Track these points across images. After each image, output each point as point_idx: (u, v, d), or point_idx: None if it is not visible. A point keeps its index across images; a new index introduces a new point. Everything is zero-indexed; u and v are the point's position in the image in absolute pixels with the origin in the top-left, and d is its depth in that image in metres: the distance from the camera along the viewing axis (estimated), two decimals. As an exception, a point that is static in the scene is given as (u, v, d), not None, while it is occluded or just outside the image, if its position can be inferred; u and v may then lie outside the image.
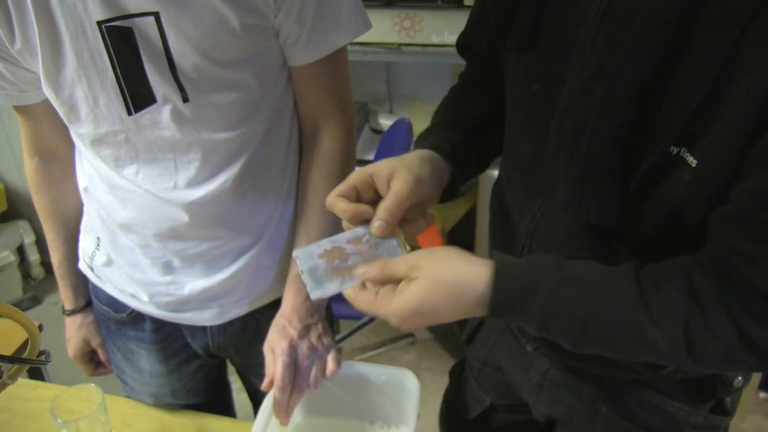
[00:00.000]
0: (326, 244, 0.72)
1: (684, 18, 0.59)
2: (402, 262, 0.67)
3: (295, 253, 0.72)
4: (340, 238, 0.72)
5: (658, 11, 0.60)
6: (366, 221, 0.72)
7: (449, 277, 0.65)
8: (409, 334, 2.58)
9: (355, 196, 0.73)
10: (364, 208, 0.72)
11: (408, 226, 0.74)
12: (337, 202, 0.72)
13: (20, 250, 2.82)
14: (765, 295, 0.59)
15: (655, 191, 0.66)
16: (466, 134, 0.86)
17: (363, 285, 0.69)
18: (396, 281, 0.67)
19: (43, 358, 0.74)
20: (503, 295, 0.65)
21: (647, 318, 0.62)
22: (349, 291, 0.69)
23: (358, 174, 0.73)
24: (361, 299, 0.68)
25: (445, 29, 2.10)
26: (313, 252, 0.71)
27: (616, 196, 0.68)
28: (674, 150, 0.62)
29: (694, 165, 0.61)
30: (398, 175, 0.71)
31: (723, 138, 0.58)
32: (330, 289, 0.69)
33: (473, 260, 0.67)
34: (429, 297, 0.65)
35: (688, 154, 0.61)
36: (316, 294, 0.69)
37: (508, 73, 0.81)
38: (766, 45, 0.54)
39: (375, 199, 0.73)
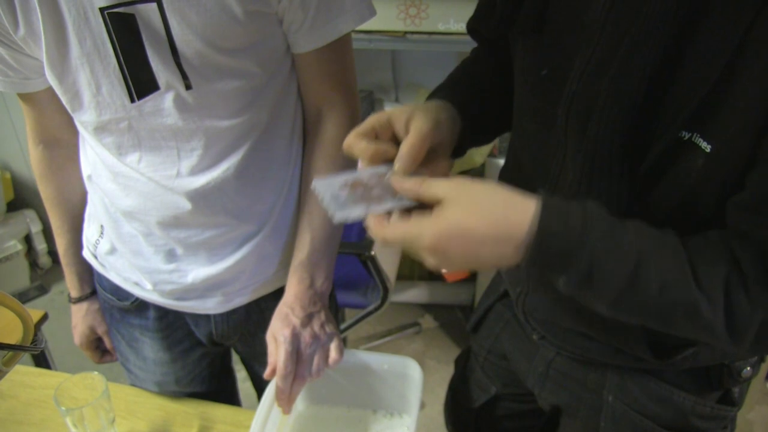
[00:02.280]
0: (347, 177, 0.67)
1: (695, 3, 0.58)
2: (442, 181, 0.62)
3: (314, 183, 0.67)
4: (361, 174, 0.68)
5: None
6: (386, 162, 0.69)
7: (494, 201, 0.60)
8: (415, 323, 2.58)
9: (373, 139, 0.70)
10: (385, 146, 0.69)
11: (429, 168, 0.70)
12: (356, 141, 0.69)
13: (27, 240, 2.83)
14: None
15: (666, 178, 0.65)
16: (475, 95, 0.85)
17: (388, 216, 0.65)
18: (431, 204, 0.62)
19: (35, 344, 0.74)
20: (551, 227, 0.59)
21: (692, 278, 0.60)
22: (375, 220, 0.64)
23: (376, 116, 0.71)
24: (391, 226, 0.62)
25: (450, 17, 2.08)
26: (333, 183, 0.66)
27: (624, 182, 0.67)
28: (686, 135, 0.62)
29: (708, 150, 0.60)
30: (417, 116, 0.70)
31: (737, 123, 0.57)
32: (354, 212, 0.63)
33: (520, 192, 0.61)
34: (469, 221, 0.59)
35: (701, 140, 0.61)
36: (339, 216, 0.63)
37: (516, 57, 0.81)
38: None
39: (393, 144, 0.70)
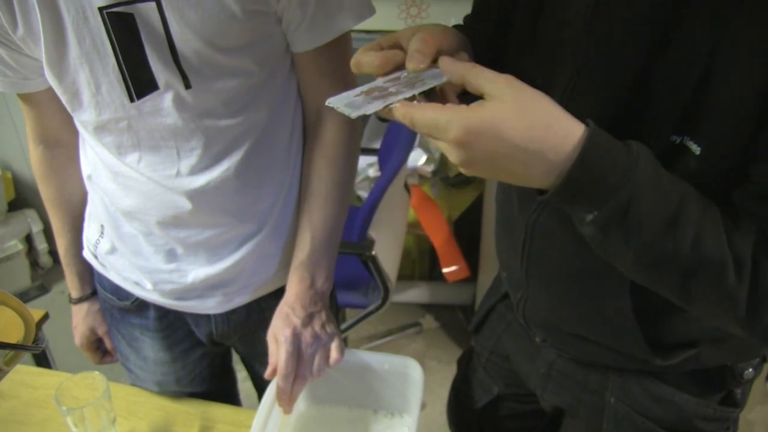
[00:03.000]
0: (361, 87, 0.64)
1: (672, 13, 0.59)
2: (494, 74, 0.56)
3: (329, 100, 0.63)
4: (376, 82, 0.64)
5: (645, 9, 0.61)
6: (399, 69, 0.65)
7: (541, 114, 0.55)
8: (416, 323, 2.58)
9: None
10: (394, 51, 0.65)
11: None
12: (363, 56, 0.65)
13: (28, 239, 2.83)
14: None
15: None
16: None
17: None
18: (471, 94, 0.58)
19: (37, 344, 0.74)
20: (596, 154, 0.55)
21: (726, 238, 0.58)
22: (402, 102, 0.58)
23: (382, 37, 0.68)
24: (421, 106, 0.57)
25: (452, 16, 2.09)
26: (348, 94, 0.63)
27: None
28: (677, 139, 0.62)
29: (698, 153, 0.60)
30: (424, 27, 0.67)
31: (722, 123, 0.58)
32: (371, 107, 0.59)
33: (570, 114, 0.57)
34: (507, 124, 0.54)
35: (691, 143, 0.61)
36: (355, 114, 0.59)
37: (511, 65, 0.80)
38: (754, 31, 0.55)
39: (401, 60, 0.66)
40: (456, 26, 0.80)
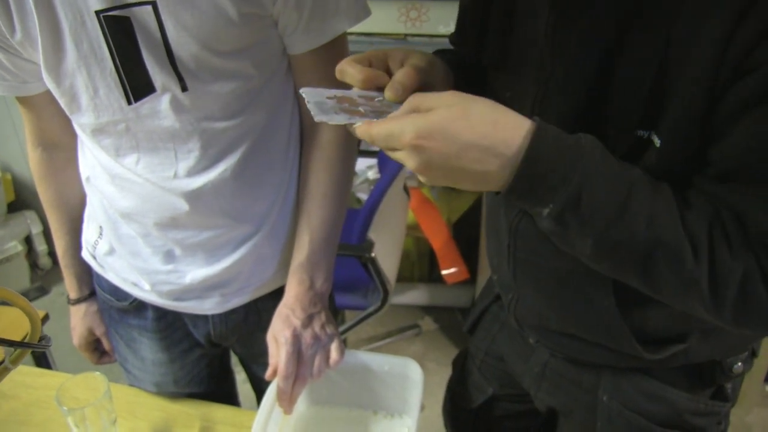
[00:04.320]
0: (336, 91, 0.67)
1: (626, 15, 0.63)
2: (434, 94, 0.61)
3: (302, 90, 0.67)
4: (352, 92, 0.67)
5: (601, 15, 0.64)
6: (378, 89, 0.68)
7: (486, 113, 0.58)
8: (415, 325, 2.58)
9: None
10: (378, 72, 0.68)
11: None
12: (348, 67, 0.68)
13: (28, 241, 2.83)
14: None
15: None
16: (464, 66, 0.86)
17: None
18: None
19: (43, 343, 0.74)
20: (544, 145, 0.58)
21: (680, 221, 0.60)
22: (362, 125, 0.62)
23: (373, 51, 0.71)
24: (377, 123, 0.61)
25: (451, 19, 2.09)
26: (322, 92, 0.66)
27: None
28: (644, 134, 0.64)
29: (658, 145, 0.63)
30: (414, 54, 0.70)
31: (679, 113, 0.60)
32: (336, 118, 0.62)
33: (515, 111, 0.60)
34: (457, 124, 0.57)
35: (655, 137, 0.63)
36: (319, 118, 0.62)
37: (487, 77, 0.85)
38: (700, 21, 0.57)
39: (386, 77, 0.69)
40: (439, 51, 0.85)
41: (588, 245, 0.62)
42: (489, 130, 0.57)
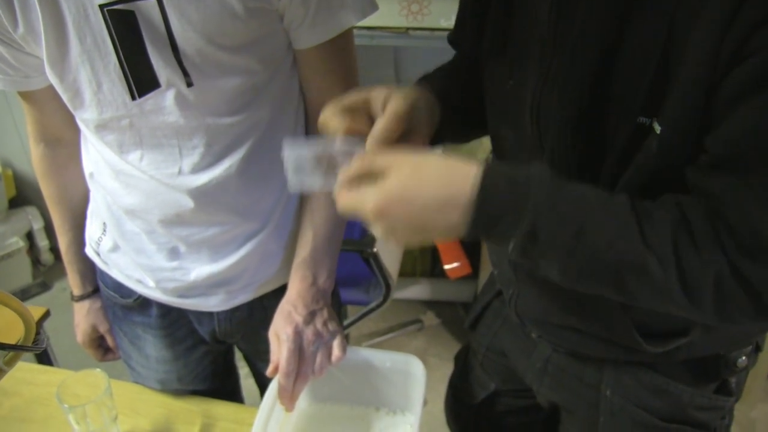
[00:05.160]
0: (319, 148, 0.70)
1: (626, 3, 0.63)
2: (384, 155, 0.65)
3: (284, 147, 0.70)
4: (334, 148, 0.70)
5: (603, 1, 0.64)
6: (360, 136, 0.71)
7: (436, 167, 0.62)
8: (417, 320, 2.58)
9: (349, 116, 0.72)
10: (359, 125, 0.71)
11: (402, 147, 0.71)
12: (329, 119, 0.71)
13: (29, 236, 2.83)
14: (755, 232, 0.58)
15: (630, 167, 0.67)
16: (456, 86, 0.88)
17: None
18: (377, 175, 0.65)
19: (37, 344, 0.74)
20: (493, 187, 0.61)
21: (639, 234, 0.60)
22: (338, 188, 0.67)
23: (354, 94, 0.73)
24: (341, 194, 0.66)
25: (453, 13, 2.06)
26: (302, 153, 0.70)
27: (586, 180, 0.68)
28: (646, 122, 0.64)
29: (659, 132, 0.63)
30: (394, 98, 0.72)
31: (681, 99, 0.60)
32: (309, 182, 0.68)
33: (463, 160, 0.63)
34: (411, 185, 0.61)
35: (656, 124, 0.63)
36: (292, 184, 0.67)
37: (486, 69, 0.85)
38: (702, 2, 0.57)
39: (368, 122, 0.72)
40: (426, 77, 0.88)
41: (556, 273, 0.64)
42: (444, 182, 0.61)
